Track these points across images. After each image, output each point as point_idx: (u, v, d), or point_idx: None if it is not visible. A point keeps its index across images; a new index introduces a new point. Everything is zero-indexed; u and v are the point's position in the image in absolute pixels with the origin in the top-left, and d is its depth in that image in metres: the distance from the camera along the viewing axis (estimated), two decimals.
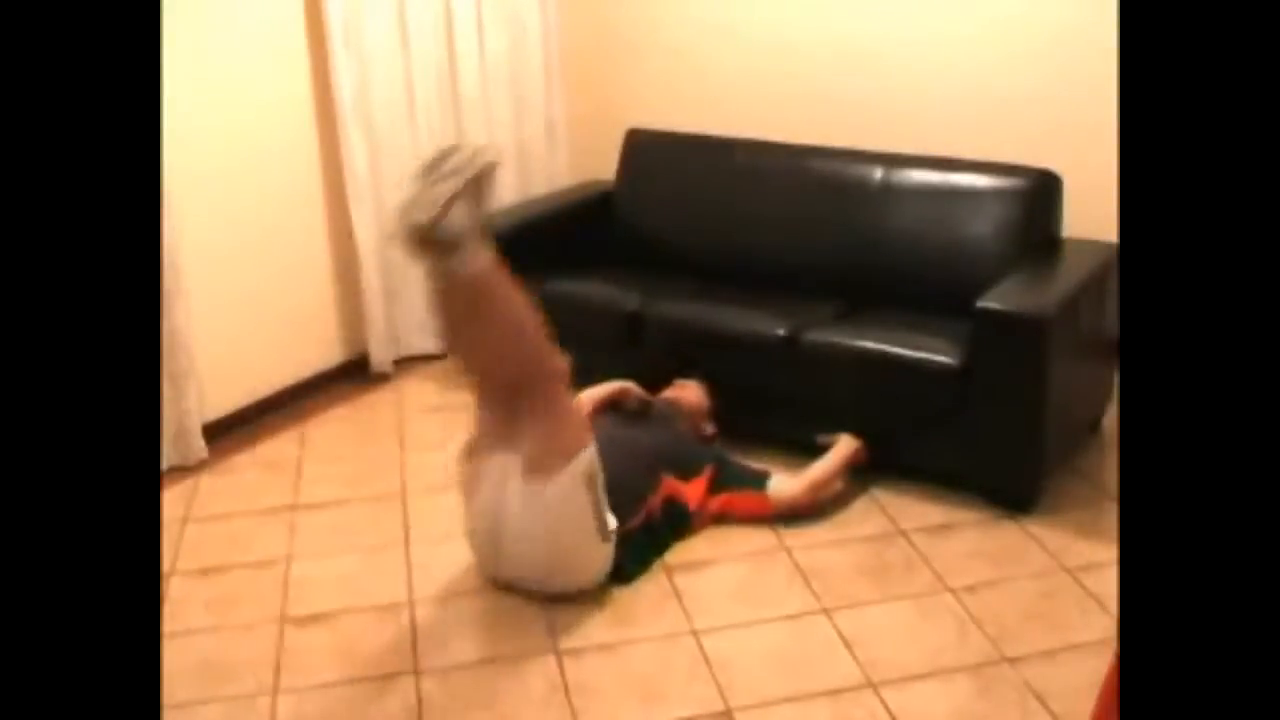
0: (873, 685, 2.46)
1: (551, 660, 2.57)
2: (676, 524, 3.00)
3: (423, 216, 2.38)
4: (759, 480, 3.12)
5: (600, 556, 2.74)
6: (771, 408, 3.43)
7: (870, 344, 3.24)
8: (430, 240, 2.41)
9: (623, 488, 2.83)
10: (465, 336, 2.65)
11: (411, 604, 2.80)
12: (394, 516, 3.22)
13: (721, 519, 3.09)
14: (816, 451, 3.21)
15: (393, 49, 3.98)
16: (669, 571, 2.90)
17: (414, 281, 4.20)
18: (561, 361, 2.66)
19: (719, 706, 2.41)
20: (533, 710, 2.42)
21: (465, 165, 2.42)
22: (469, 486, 2.77)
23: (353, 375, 4.14)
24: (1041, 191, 3.48)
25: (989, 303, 3.02)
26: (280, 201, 3.83)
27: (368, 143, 3.95)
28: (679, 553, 2.97)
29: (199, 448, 3.53)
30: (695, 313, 3.55)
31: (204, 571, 2.97)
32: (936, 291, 3.44)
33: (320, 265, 4.02)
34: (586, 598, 2.77)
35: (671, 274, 3.83)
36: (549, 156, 4.60)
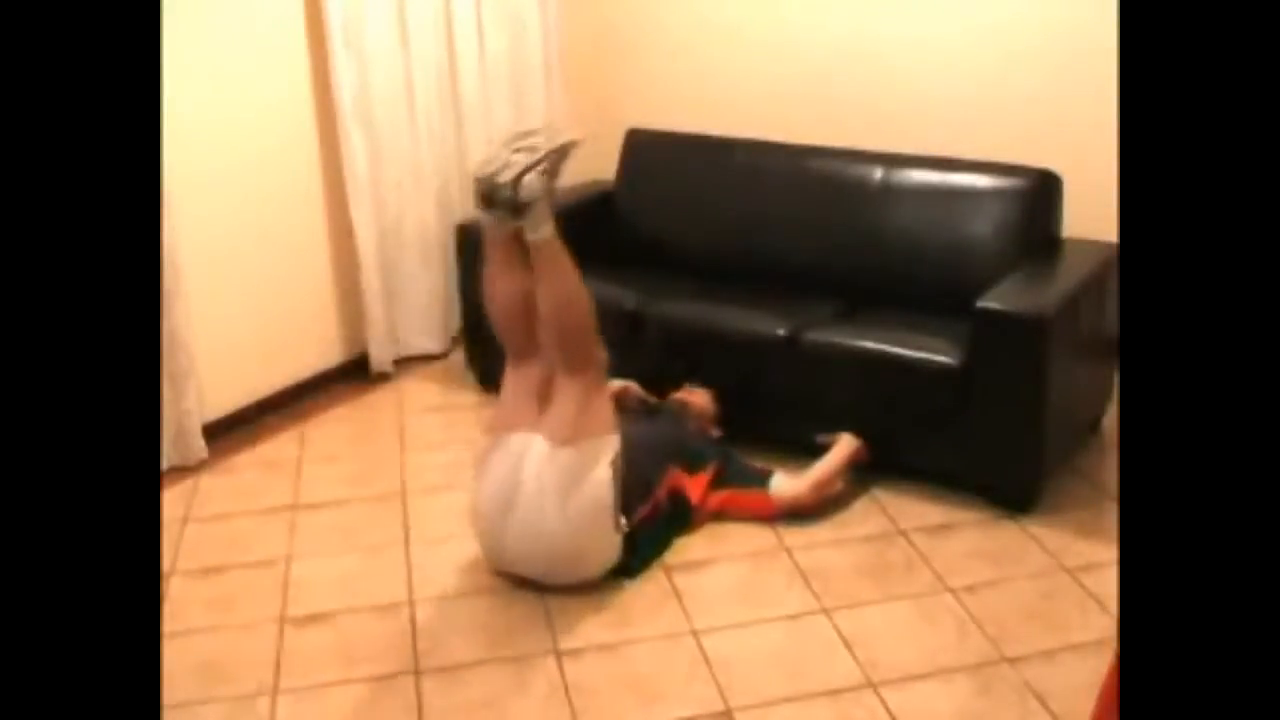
0: (873, 685, 2.46)
1: (551, 660, 2.57)
2: (680, 516, 3.01)
3: (502, 176, 2.57)
4: (762, 479, 3.12)
5: (608, 546, 2.75)
6: (772, 408, 3.43)
7: (870, 344, 3.24)
8: (502, 200, 2.59)
9: (632, 480, 2.84)
10: (517, 289, 2.77)
11: (411, 604, 2.80)
12: (394, 516, 3.22)
13: (721, 516, 3.10)
14: (817, 451, 3.21)
15: (393, 49, 3.98)
16: (669, 571, 2.90)
17: (414, 281, 4.21)
18: (601, 351, 2.76)
19: (719, 706, 2.41)
20: (533, 710, 2.42)
21: (549, 140, 2.64)
22: (483, 461, 2.80)
23: (353, 375, 4.14)
24: (1041, 191, 3.48)
25: (989, 303, 3.02)
26: (280, 201, 3.83)
27: (368, 143, 3.95)
28: (679, 552, 2.97)
29: (199, 448, 3.53)
30: (695, 313, 3.55)
31: (204, 571, 2.97)
32: (936, 291, 3.44)
33: (320, 265, 4.02)
34: (587, 596, 2.77)
35: (671, 274, 3.83)
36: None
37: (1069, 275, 3.28)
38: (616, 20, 4.57)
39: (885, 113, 4.06)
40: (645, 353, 3.59)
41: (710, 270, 3.83)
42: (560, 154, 2.66)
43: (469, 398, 3.97)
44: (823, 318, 3.44)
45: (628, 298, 3.66)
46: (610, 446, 2.72)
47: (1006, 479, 3.14)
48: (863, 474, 3.28)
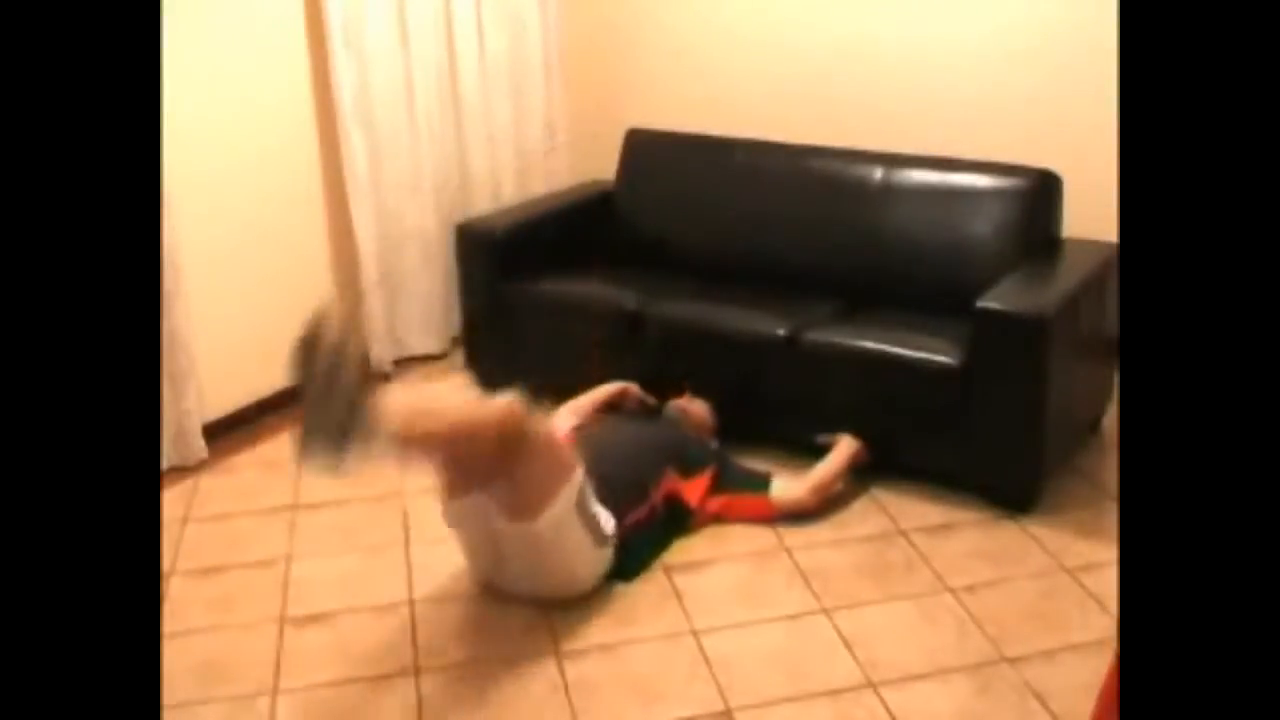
0: (873, 685, 2.46)
1: (551, 660, 2.57)
2: (677, 521, 3.00)
3: (333, 463, 2.26)
4: (761, 483, 3.12)
5: (599, 561, 2.74)
6: (772, 408, 3.43)
7: (870, 344, 3.24)
8: (347, 453, 2.28)
9: (626, 480, 2.84)
10: (419, 459, 2.65)
11: (411, 604, 2.80)
12: (394, 516, 3.22)
13: (721, 519, 3.09)
14: (816, 451, 3.21)
15: (393, 49, 3.98)
16: (669, 571, 2.90)
17: (414, 281, 4.21)
18: (517, 413, 2.50)
19: (719, 706, 2.41)
20: (533, 710, 2.42)
21: (336, 370, 2.30)
22: (456, 525, 2.75)
23: (366, 390, 4.11)
24: (1041, 191, 3.48)
25: (989, 303, 3.02)
26: (280, 201, 3.83)
27: (368, 143, 3.95)
28: (679, 553, 2.97)
29: (199, 448, 3.53)
30: (695, 313, 3.55)
31: (204, 571, 2.97)
32: (936, 291, 3.44)
33: (320, 266, 4.02)
34: (587, 598, 2.77)
35: (671, 274, 3.83)
36: (549, 156, 4.60)
37: (1069, 275, 3.28)
38: (616, 20, 4.57)
39: (885, 113, 4.06)
40: (645, 354, 3.59)
41: (710, 270, 3.83)
42: (348, 391, 2.31)
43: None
44: (823, 318, 3.44)
45: (628, 298, 3.66)
46: (572, 489, 2.60)
47: (1006, 479, 3.14)
48: (863, 474, 3.28)
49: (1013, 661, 2.52)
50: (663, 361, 3.56)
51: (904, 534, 3.05)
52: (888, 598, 2.78)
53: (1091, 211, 3.50)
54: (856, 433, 3.25)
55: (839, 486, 3.21)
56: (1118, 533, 2.92)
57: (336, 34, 3.77)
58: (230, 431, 3.69)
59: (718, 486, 3.09)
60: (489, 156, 4.39)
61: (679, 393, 3.44)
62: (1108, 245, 3.38)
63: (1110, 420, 3.59)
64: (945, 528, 3.08)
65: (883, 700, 2.41)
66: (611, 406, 3.41)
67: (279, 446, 3.66)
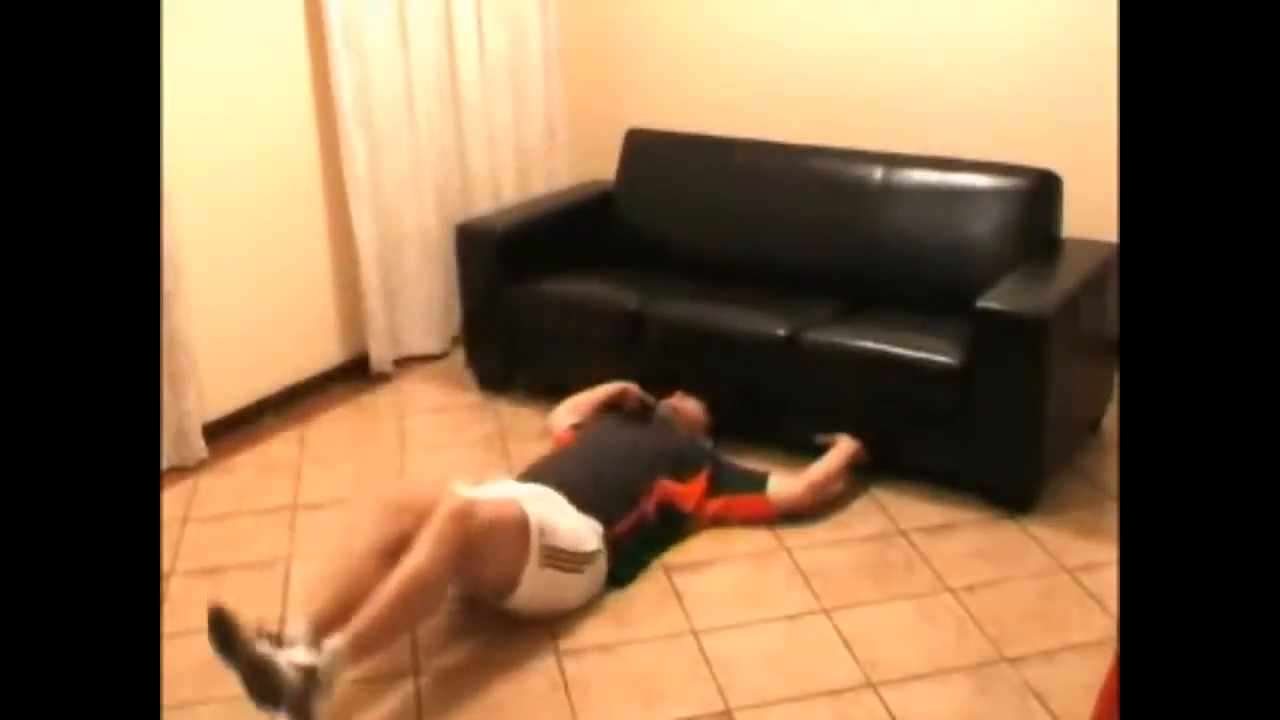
0: (873, 685, 2.46)
1: (551, 660, 2.57)
2: (672, 527, 3.00)
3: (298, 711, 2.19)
4: (758, 482, 3.12)
5: (586, 583, 2.73)
6: (771, 408, 3.43)
7: (870, 344, 3.24)
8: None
9: (615, 489, 2.84)
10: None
11: None
12: None
13: (720, 522, 3.09)
14: (816, 452, 3.21)
15: (393, 49, 3.98)
16: (669, 571, 2.90)
17: (414, 281, 4.21)
18: (454, 523, 2.39)
19: (719, 706, 2.41)
20: (532, 710, 2.41)
21: (244, 645, 2.21)
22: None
23: (353, 375, 4.13)
24: (1041, 191, 3.48)
25: (989, 303, 3.02)
26: (280, 201, 3.83)
27: (368, 143, 3.95)
28: (679, 553, 2.97)
29: (199, 448, 3.53)
30: (695, 313, 3.55)
31: (204, 571, 2.97)
32: (936, 291, 3.44)
33: (320, 265, 4.02)
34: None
35: (671, 274, 3.83)
36: (549, 156, 4.60)
37: (1069, 275, 3.28)
38: (616, 20, 4.57)
39: (885, 113, 4.06)
40: (645, 354, 3.59)
41: (710, 270, 3.83)
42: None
43: (469, 398, 3.97)
44: (823, 318, 3.44)
45: (628, 298, 3.66)
46: (533, 553, 2.54)
47: (1006, 479, 3.14)
48: (863, 474, 3.28)
49: (1013, 661, 2.52)
50: (663, 361, 3.56)
51: (904, 534, 3.05)
52: (888, 598, 2.77)
53: (1091, 211, 3.50)
54: (856, 433, 3.24)
55: (838, 486, 3.20)
56: (1118, 533, 2.92)
57: (336, 34, 3.77)
58: (230, 431, 3.69)
59: (715, 488, 3.09)
60: (489, 156, 4.39)
61: (669, 391, 3.44)
62: (1108, 245, 3.38)
63: (1110, 420, 3.59)
64: (945, 528, 3.08)
65: (883, 700, 2.41)
66: (611, 406, 3.40)
67: (279, 446, 3.66)
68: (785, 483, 3.11)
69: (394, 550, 2.42)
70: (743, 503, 3.09)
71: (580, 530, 2.71)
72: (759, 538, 3.04)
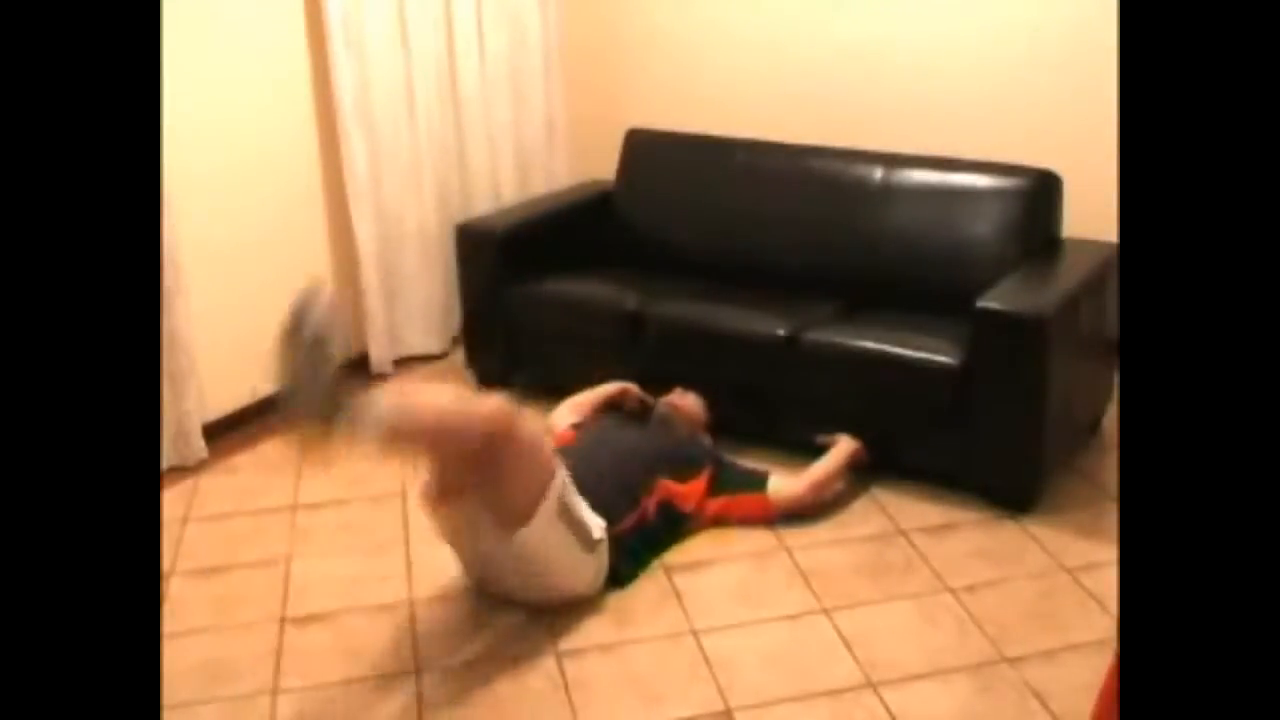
0: (873, 685, 2.46)
1: (551, 660, 2.57)
2: (672, 527, 3.00)
3: (316, 422, 2.27)
4: (758, 482, 3.12)
5: (591, 567, 2.73)
6: (771, 408, 3.43)
7: (870, 344, 3.24)
8: (331, 432, 2.29)
9: (616, 488, 2.83)
10: (405, 452, 2.63)
11: (411, 604, 2.80)
12: (394, 516, 3.22)
13: (720, 522, 3.09)
14: (816, 452, 3.21)
15: (393, 49, 3.98)
16: (669, 571, 2.90)
17: (414, 281, 4.21)
18: (503, 412, 2.50)
19: (719, 706, 2.41)
20: (532, 710, 2.42)
21: (325, 331, 2.31)
22: (448, 537, 2.74)
23: (353, 375, 4.12)
24: (1041, 191, 3.48)
25: (989, 303, 3.02)
26: (280, 201, 3.83)
27: (368, 143, 3.95)
28: (679, 553, 2.97)
29: (199, 448, 3.53)
30: (695, 313, 3.55)
31: (204, 571, 2.97)
32: (936, 291, 3.44)
33: (320, 265, 4.02)
34: (586, 599, 2.77)
35: (671, 274, 3.83)
36: (549, 156, 4.60)
37: (1069, 275, 3.28)
38: (616, 20, 4.57)
39: (885, 113, 4.06)
40: (645, 354, 3.59)
41: (710, 270, 3.83)
42: (334, 363, 2.31)
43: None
44: (822, 318, 3.44)
45: (628, 298, 3.66)
46: (554, 493, 2.58)
47: (1006, 479, 3.14)
48: (863, 474, 3.28)
49: (1013, 661, 2.52)
50: (662, 361, 3.56)
51: (904, 534, 3.06)
52: (887, 598, 2.78)
53: (1091, 211, 3.50)
54: (856, 432, 3.25)
55: (838, 486, 3.21)
56: (1118, 533, 2.92)
57: (336, 34, 3.77)
58: (230, 431, 3.69)
59: (716, 488, 3.09)
60: (489, 156, 4.39)
61: (668, 388, 3.43)
62: (1108, 245, 3.38)
63: (1110, 420, 3.59)
64: (945, 528, 3.08)
65: (883, 700, 2.41)
66: (611, 405, 3.41)
67: (279, 446, 3.66)
68: (786, 483, 3.11)
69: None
70: (743, 502, 3.09)
71: (590, 518, 2.72)
72: (759, 538, 3.04)
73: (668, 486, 2.98)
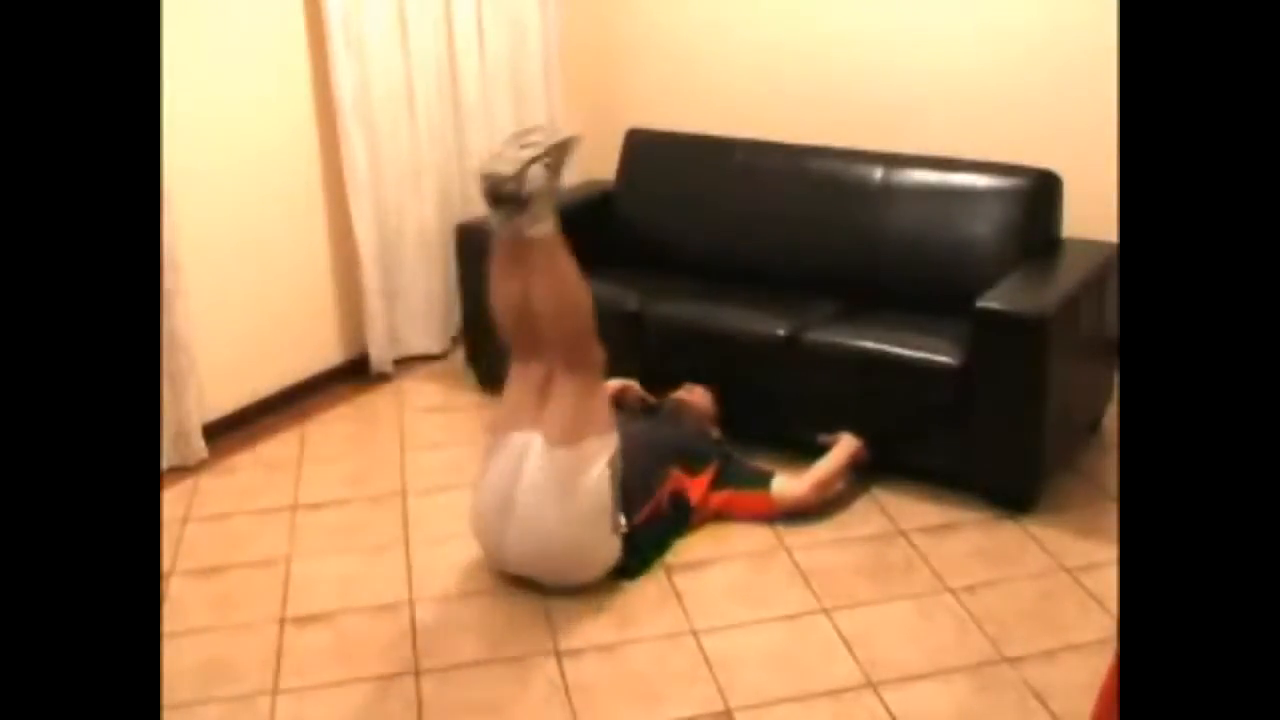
0: (873, 685, 2.46)
1: (551, 660, 2.57)
2: (682, 518, 3.01)
3: (505, 169, 2.54)
4: (763, 480, 3.12)
5: (608, 549, 2.75)
6: (772, 408, 3.43)
7: (870, 344, 3.24)
8: (506, 194, 2.56)
9: (632, 481, 2.84)
10: (517, 297, 2.75)
11: (411, 604, 2.80)
12: (394, 516, 3.22)
13: (722, 517, 3.09)
14: (817, 451, 3.21)
15: (393, 49, 3.98)
16: (669, 571, 2.90)
17: (414, 281, 4.21)
18: (600, 352, 2.76)
19: (719, 706, 2.41)
20: (533, 710, 2.42)
21: (549, 137, 2.62)
22: (485, 460, 2.81)
23: (353, 375, 4.14)
24: (1041, 191, 3.48)
25: (989, 303, 3.02)
26: (280, 201, 3.83)
27: (368, 142, 3.95)
28: (679, 553, 2.97)
29: (199, 448, 3.53)
30: (695, 313, 3.55)
31: (204, 571, 2.97)
32: (936, 291, 3.44)
33: (320, 265, 4.02)
34: (587, 597, 2.77)
35: (671, 274, 3.83)
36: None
37: (1069, 275, 3.28)
38: (616, 21, 4.57)
39: (885, 113, 4.06)
40: (645, 354, 3.59)
41: (710, 270, 3.83)
42: (562, 148, 2.64)
43: (469, 398, 3.97)
44: (823, 318, 3.44)
45: (628, 298, 3.66)
46: (608, 446, 2.72)
47: (1006, 479, 3.14)
48: (863, 474, 3.28)
49: (1013, 661, 2.52)
50: (663, 361, 3.56)
51: (904, 534, 3.06)
52: (887, 598, 2.78)
53: (1091, 211, 3.50)
54: (857, 432, 3.25)
55: (840, 485, 3.21)
56: (1118, 533, 2.92)
57: (336, 34, 3.77)
58: (230, 431, 3.69)
59: (720, 482, 3.10)
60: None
61: (675, 385, 3.44)
62: (1108, 245, 3.38)
63: (1110, 420, 3.59)
64: (945, 528, 3.08)
65: (883, 700, 2.41)
66: (613, 405, 3.40)
67: (279, 446, 3.66)
68: (789, 482, 3.11)
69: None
70: (746, 499, 3.10)
71: (619, 508, 2.77)
72: (759, 537, 3.04)
73: (679, 478, 2.99)
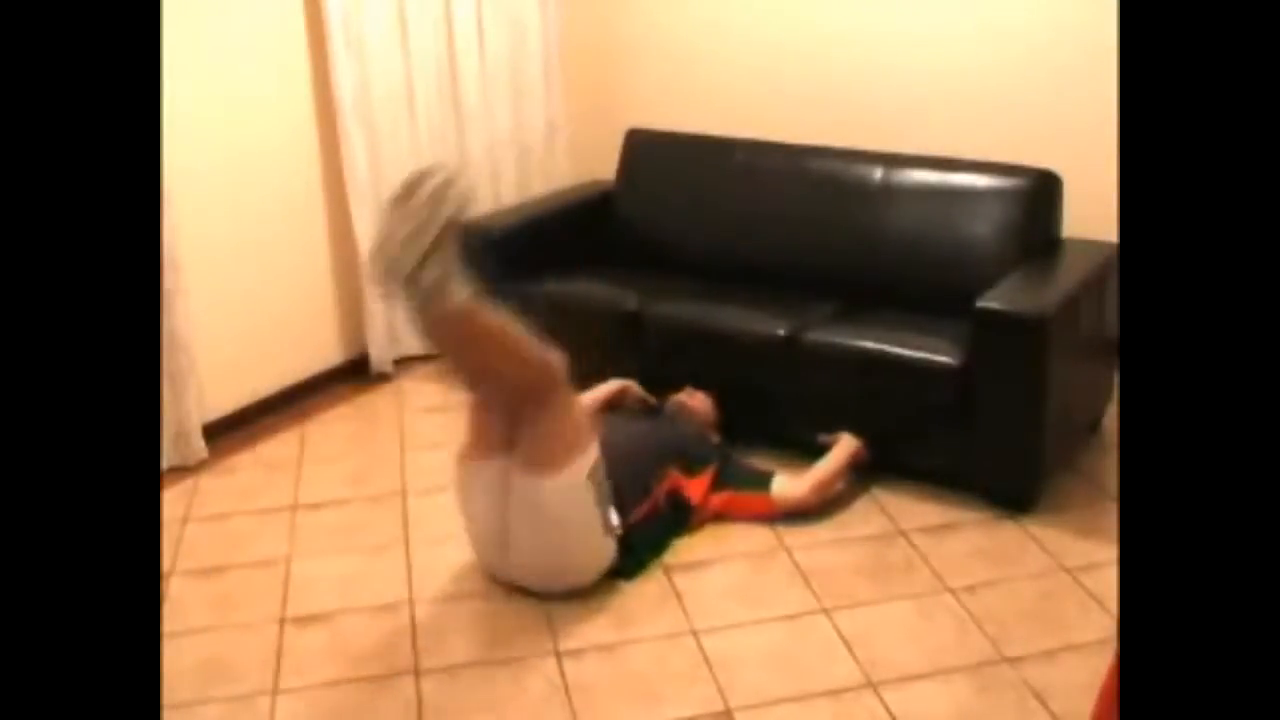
0: (873, 685, 2.46)
1: (551, 660, 2.57)
2: (680, 517, 3.01)
3: (400, 265, 2.31)
4: (763, 480, 3.12)
5: (604, 553, 2.75)
6: (772, 408, 3.43)
7: (870, 344, 3.24)
8: (410, 288, 2.35)
9: (629, 480, 2.84)
10: (459, 360, 2.70)
11: (411, 604, 2.80)
12: (394, 516, 3.22)
13: (722, 517, 3.09)
14: (817, 451, 3.21)
15: (393, 49, 3.98)
16: (669, 571, 2.90)
17: None
18: (558, 366, 2.63)
19: (719, 706, 2.41)
20: (532, 710, 2.42)
21: (439, 200, 2.32)
22: (464, 492, 2.78)
23: (353, 375, 4.14)
24: (1041, 191, 3.48)
25: (989, 303, 3.02)
26: (280, 201, 3.83)
27: (368, 143, 3.95)
28: (679, 553, 2.97)
29: (199, 448, 3.53)
30: (695, 313, 3.55)
31: (204, 571, 2.97)
32: (936, 291, 3.44)
33: (320, 265, 4.02)
34: (586, 598, 2.77)
35: (671, 274, 3.83)
36: (549, 156, 4.60)
37: (1069, 275, 3.28)
38: (616, 21, 4.57)
39: (885, 113, 4.06)
40: (645, 354, 3.59)
41: (710, 270, 3.83)
42: (452, 224, 2.35)
43: (467, 399, 3.96)
44: (822, 318, 3.44)
45: (628, 298, 3.66)
46: (588, 460, 2.66)
47: (1006, 479, 3.14)
48: (863, 474, 3.28)
49: (1013, 661, 2.52)
50: (663, 361, 3.56)
51: (904, 534, 3.06)
52: (887, 598, 2.78)
53: (1091, 211, 3.50)
54: (856, 432, 3.25)
55: (840, 485, 3.21)
56: (1118, 533, 2.92)
57: (336, 34, 3.77)
58: (230, 431, 3.70)
59: (720, 482, 3.10)
60: (489, 156, 4.39)
61: (676, 387, 3.44)
62: (1108, 245, 3.38)
63: (1110, 420, 3.59)
64: (945, 528, 3.08)
65: (883, 700, 2.41)
66: (612, 405, 3.41)
67: (279, 446, 3.66)
68: (790, 483, 3.11)
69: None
70: (746, 500, 3.10)
71: (611, 508, 2.75)
72: (759, 538, 3.04)
73: (677, 478, 2.99)
